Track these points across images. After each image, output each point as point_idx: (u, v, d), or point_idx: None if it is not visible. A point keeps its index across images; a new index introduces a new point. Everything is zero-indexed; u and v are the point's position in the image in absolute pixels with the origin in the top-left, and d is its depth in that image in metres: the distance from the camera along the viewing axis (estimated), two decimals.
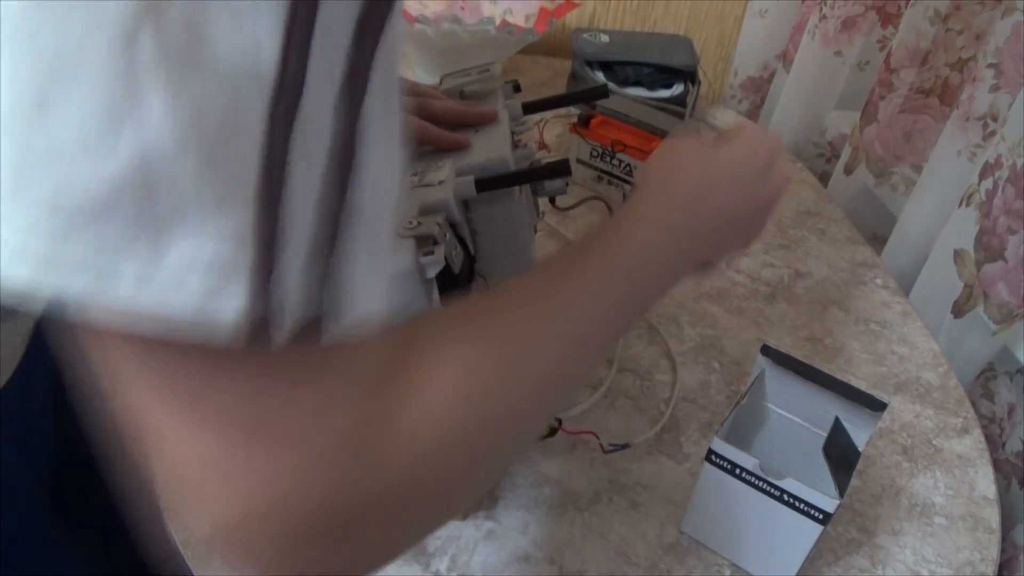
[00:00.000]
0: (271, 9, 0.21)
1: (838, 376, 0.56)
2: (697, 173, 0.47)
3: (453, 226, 0.52)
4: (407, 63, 1.22)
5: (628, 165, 0.92)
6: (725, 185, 0.47)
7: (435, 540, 0.57)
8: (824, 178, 1.11)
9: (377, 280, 0.26)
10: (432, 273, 0.47)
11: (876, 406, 0.55)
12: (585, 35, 1.15)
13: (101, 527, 0.67)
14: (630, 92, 1.08)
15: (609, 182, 0.95)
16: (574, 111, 1.12)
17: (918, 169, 0.95)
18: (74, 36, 0.19)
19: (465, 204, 0.57)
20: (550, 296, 0.36)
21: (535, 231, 0.65)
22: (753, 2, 1.20)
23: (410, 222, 0.49)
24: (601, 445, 0.65)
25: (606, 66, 1.11)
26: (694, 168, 0.48)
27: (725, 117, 1.18)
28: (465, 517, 0.58)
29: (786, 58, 1.18)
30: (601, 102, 0.95)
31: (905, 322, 0.82)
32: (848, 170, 1.01)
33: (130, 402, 0.25)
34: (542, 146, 1.03)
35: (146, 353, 0.24)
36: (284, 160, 0.22)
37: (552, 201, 0.69)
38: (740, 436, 0.59)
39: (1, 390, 0.50)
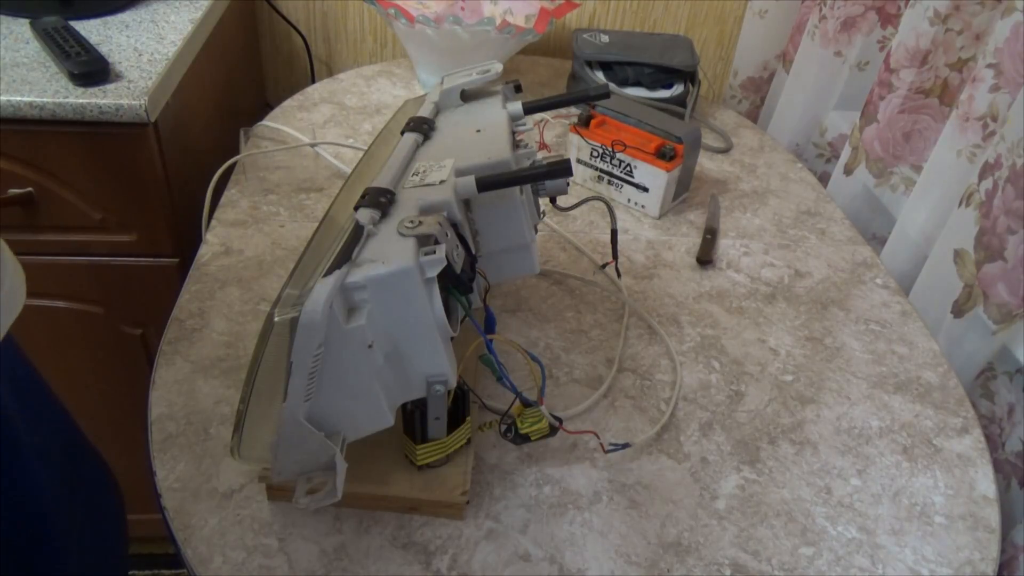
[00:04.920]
0: None
1: None
2: None
3: (454, 225, 0.52)
4: (408, 63, 1.22)
5: (628, 165, 0.92)
6: None
7: (436, 539, 0.57)
8: (824, 178, 1.12)
9: None
10: (433, 272, 0.47)
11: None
12: (585, 35, 1.15)
13: None
14: (630, 92, 1.08)
15: (609, 182, 0.95)
16: (574, 111, 1.12)
17: (918, 169, 0.95)
18: None
19: (466, 204, 0.57)
20: None
21: (536, 231, 0.65)
22: (753, 2, 1.20)
23: (411, 221, 0.49)
24: (601, 445, 0.65)
25: (606, 66, 1.11)
26: None
27: (725, 117, 1.18)
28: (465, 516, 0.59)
29: (786, 58, 1.18)
30: (601, 102, 0.95)
31: (905, 322, 0.82)
32: (848, 170, 1.01)
33: None
34: (542, 146, 1.03)
35: None
36: None
37: (553, 201, 0.69)
38: None
39: None
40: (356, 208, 0.52)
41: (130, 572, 1.34)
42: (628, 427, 0.67)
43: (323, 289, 0.45)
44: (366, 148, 0.75)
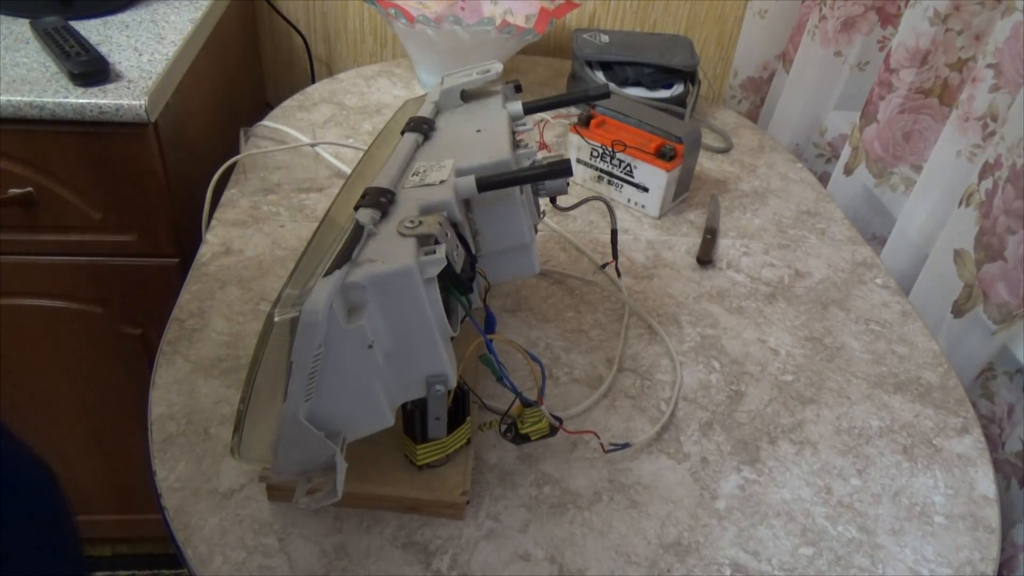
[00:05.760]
0: None
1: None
2: None
3: (454, 225, 0.52)
4: (408, 63, 1.22)
5: (628, 165, 0.92)
6: None
7: (436, 539, 0.57)
8: (824, 178, 1.12)
9: None
10: (433, 272, 0.47)
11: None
12: (585, 35, 1.15)
13: None
14: (630, 92, 1.08)
15: (609, 182, 0.95)
16: (574, 111, 1.12)
17: (918, 169, 0.95)
18: None
19: (467, 204, 0.57)
20: None
21: (536, 231, 0.65)
22: (753, 2, 1.20)
23: (411, 221, 0.49)
24: (601, 445, 0.65)
25: (606, 66, 1.11)
26: None
27: (725, 117, 1.18)
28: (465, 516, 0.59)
29: (786, 58, 1.18)
30: (601, 102, 0.95)
31: (905, 322, 0.82)
32: (848, 170, 1.01)
33: None
34: (542, 146, 1.03)
35: None
36: None
37: (553, 201, 0.69)
38: None
39: None
40: (356, 208, 0.52)
41: (130, 572, 1.34)
42: (628, 427, 0.67)
43: (323, 289, 0.45)
44: (366, 148, 0.75)
